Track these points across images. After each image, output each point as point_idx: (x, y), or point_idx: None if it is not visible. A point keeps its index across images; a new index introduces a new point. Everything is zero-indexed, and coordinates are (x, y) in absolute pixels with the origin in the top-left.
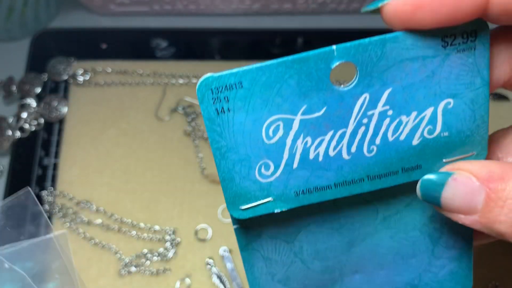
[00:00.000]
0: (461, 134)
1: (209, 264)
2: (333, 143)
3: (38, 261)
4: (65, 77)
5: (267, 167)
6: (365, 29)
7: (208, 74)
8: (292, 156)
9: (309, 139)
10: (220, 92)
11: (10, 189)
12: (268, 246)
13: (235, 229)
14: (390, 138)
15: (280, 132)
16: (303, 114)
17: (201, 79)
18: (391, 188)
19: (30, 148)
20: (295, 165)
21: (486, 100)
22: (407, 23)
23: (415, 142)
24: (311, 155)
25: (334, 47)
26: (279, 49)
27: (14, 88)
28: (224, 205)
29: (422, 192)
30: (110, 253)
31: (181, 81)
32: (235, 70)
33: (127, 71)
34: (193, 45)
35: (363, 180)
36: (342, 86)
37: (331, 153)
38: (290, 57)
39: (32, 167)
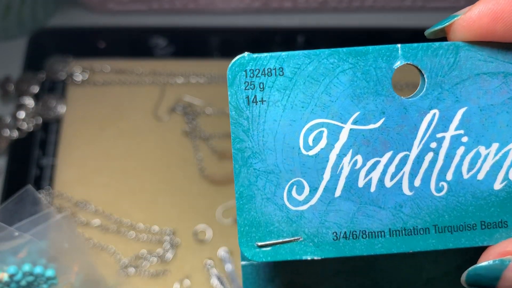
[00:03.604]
0: None
1: (209, 265)
2: (391, 169)
3: (51, 241)
4: (63, 76)
5: (300, 189)
6: (366, 28)
7: (245, 53)
8: (335, 178)
9: (359, 158)
10: (256, 76)
11: (8, 190)
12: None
13: (243, 267)
14: (465, 175)
15: (323, 142)
16: (354, 123)
17: (235, 59)
18: None
19: (27, 148)
20: (337, 192)
21: None
22: (484, 38)
23: (497, 186)
24: (361, 182)
25: (398, 45)
26: (279, 48)
27: (11, 87)
28: (223, 206)
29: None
30: (109, 254)
31: (180, 80)
32: (277, 53)
33: (126, 70)
34: (192, 44)
35: (428, 231)
36: (405, 95)
37: (388, 183)
38: (345, 48)
39: (29, 167)
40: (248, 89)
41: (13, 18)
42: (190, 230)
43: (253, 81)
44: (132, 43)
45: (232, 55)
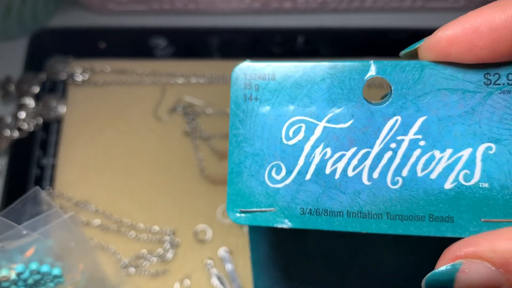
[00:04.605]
0: (505, 191)
1: (209, 265)
2: (354, 161)
3: (57, 240)
4: (64, 77)
5: (278, 170)
6: (366, 28)
7: (247, 61)
8: (307, 164)
9: (328, 150)
10: (253, 79)
11: (9, 190)
12: (275, 233)
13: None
14: (419, 174)
15: (301, 135)
16: (328, 121)
17: (239, 65)
18: None
19: (28, 148)
20: (308, 175)
21: None
22: (445, 59)
23: (447, 185)
24: (328, 170)
25: (371, 61)
26: (279, 48)
27: (12, 87)
28: (223, 206)
29: None
30: (109, 254)
31: (180, 80)
32: (271, 62)
33: (126, 70)
34: (192, 44)
35: (381, 217)
36: (373, 102)
37: (350, 172)
38: (327, 62)
39: (30, 167)
40: (246, 88)
41: (13, 19)
42: (190, 230)
43: (251, 83)
44: (132, 44)
45: (232, 55)
